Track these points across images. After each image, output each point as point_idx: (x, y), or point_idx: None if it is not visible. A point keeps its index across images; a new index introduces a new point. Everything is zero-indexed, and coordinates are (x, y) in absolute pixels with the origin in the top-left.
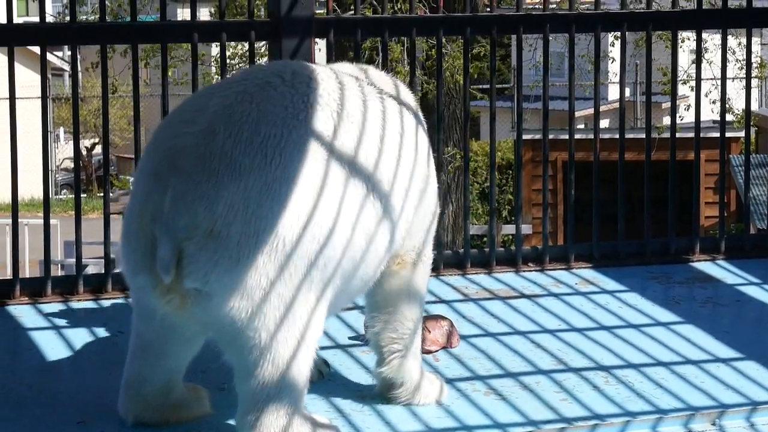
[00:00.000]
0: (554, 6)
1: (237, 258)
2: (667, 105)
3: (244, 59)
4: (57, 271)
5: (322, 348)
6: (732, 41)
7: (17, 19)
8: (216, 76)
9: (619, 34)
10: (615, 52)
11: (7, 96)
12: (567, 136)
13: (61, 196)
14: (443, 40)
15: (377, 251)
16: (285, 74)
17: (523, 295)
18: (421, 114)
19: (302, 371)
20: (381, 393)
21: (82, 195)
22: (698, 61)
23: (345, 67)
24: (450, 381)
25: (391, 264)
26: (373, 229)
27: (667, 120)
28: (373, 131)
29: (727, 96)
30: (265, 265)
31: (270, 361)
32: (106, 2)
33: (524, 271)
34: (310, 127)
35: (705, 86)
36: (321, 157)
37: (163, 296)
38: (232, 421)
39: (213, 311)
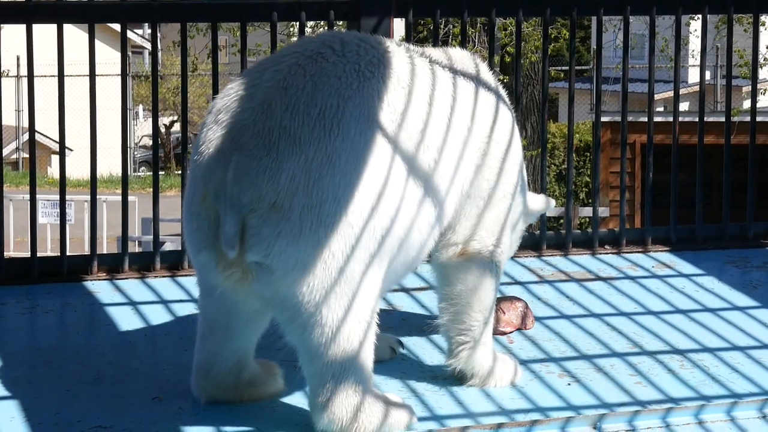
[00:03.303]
0: None
1: (299, 230)
2: (747, 89)
3: None
4: (134, 248)
5: (396, 328)
6: None
7: None
8: None
9: (696, 16)
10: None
11: (88, 73)
12: (646, 119)
13: (139, 174)
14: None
15: (421, 228)
16: (334, 44)
17: (599, 278)
18: (501, 96)
19: (366, 348)
20: (454, 378)
21: (160, 172)
22: None
23: (430, 51)
24: (524, 362)
25: (452, 254)
26: (419, 203)
27: (747, 104)
28: (421, 98)
29: None
30: (326, 237)
31: (332, 339)
32: None
33: (601, 253)
34: (363, 95)
35: None
36: (376, 126)
37: (225, 271)
38: (305, 399)
39: (274, 285)
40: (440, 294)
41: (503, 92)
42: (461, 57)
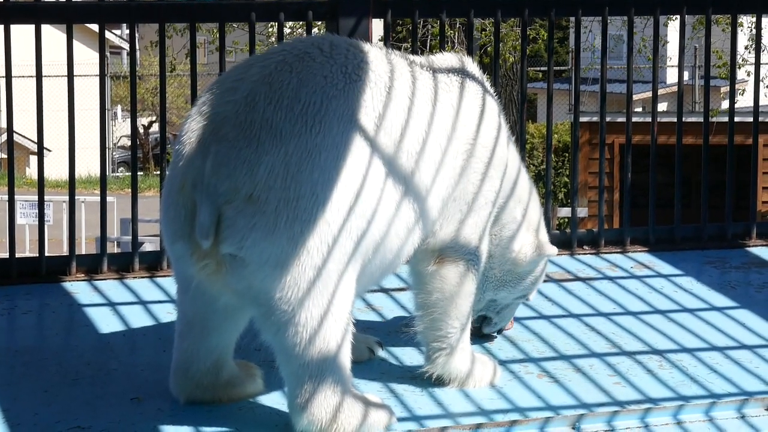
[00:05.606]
0: None
1: (274, 224)
2: (725, 89)
3: None
4: (113, 248)
5: (376, 328)
6: None
7: None
8: None
9: (673, 16)
10: (671, 34)
11: (66, 74)
12: (624, 119)
13: (117, 174)
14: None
15: (398, 231)
16: (323, 46)
17: (577, 278)
18: (489, 98)
19: (343, 348)
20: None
21: (138, 173)
22: (758, 46)
23: (418, 58)
24: (503, 363)
25: (430, 262)
26: (397, 206)
27: (725, 104)
28: (404, 102)
29: None
30: (302, 232)
31: (308, 339)
32: None
33: (579, 254)
34: (348, 96)
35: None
36: (358, 126)
37: (199, 262)
38: (284, 399)
39: (247, 279)
40: (416, 301)
41: (493, 98)
42: (449, 63)
